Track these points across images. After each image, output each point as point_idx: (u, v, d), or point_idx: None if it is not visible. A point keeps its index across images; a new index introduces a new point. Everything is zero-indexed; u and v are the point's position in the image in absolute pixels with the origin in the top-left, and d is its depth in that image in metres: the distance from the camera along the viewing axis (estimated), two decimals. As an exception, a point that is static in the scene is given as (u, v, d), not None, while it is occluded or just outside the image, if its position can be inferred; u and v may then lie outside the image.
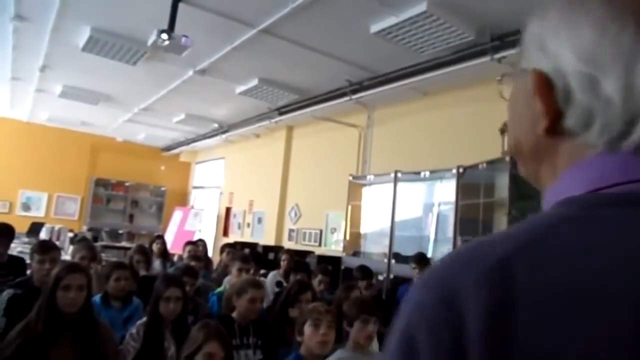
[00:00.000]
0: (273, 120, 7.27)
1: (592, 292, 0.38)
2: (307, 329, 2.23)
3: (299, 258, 5.65)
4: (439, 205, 5.24)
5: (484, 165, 4.22)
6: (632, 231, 0.41)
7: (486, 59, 4.08)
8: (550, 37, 0.50)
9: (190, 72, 5.76)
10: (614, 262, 0.39)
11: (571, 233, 0.43)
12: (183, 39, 4.00)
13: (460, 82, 5.05)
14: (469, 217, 4.51)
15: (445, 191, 5.04)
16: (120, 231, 10.78)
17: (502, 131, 3.93)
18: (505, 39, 3.95)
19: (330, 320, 2.26)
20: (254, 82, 5.89)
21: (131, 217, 11.16)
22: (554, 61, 0.48)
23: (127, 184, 11.05)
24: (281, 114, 7.03)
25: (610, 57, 0.45)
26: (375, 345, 3.26)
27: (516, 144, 0.55)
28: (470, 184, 4.57)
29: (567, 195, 0.47)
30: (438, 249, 5.10)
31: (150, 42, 4.17)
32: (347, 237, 6.09)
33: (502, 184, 4.05)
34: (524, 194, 3.70)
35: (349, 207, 6.11)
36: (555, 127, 0.49)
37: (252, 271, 4.05)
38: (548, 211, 0.47)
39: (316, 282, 4.08)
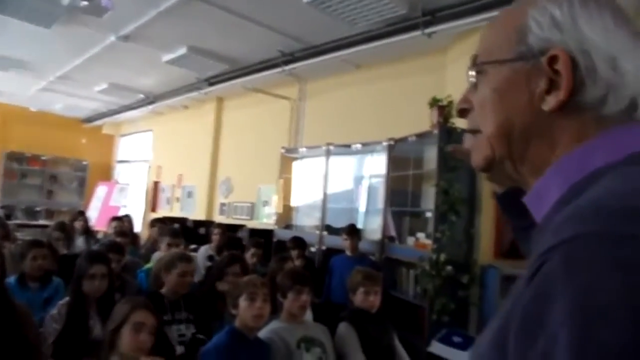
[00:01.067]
0: (202, 91, 7.03)
1: None
2: (243, 302, 2.21)
3: (230, 233, 5.59)
4: (370, 177, 5.34)
5: (414, 138, 4.33)
6: None
7: (417, 33, 4.14)
8: (574, 22, 0.56)
9: (112, 38, 5.40)
10: None
11: None
12: (104, 0, 3.72)
13: (392, 55, 5.12)
14: (399, 189, 4.63)
15: (376, 164, 5.13)
16: (38, 208, 10.11)
17: (431, 105, 4.04)
18: (436, 14, 4.02)
19: (265, 294, 2.25)
20: (182, 50, 5.64)
21: (50, 193, 10.47)
22: (579, 42, 0.55)
23: (44, 157, 10.31)
24: (211, 84, 6.81)
25: (625, 41, 0.55)
26: (308, 314, 3.32)
27: (505, 125, 0.60)
28: (401, 157, 4.68)
29: (620, 155, 0.52)
30: (368, 220, 5.21)
31: (66, 1, 3.84)
32: (280, 211, 6.08)
33: (431, 157, 4.18)
34: (450, 166, 3.85)
35: (281, 180, 6.09)
36: (568, 101, 0.55)
37: (181, 246, 3.95)
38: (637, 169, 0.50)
39: (249, 255, 4.05)
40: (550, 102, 0.56)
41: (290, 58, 5.50)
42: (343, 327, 2.65)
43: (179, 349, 2.56)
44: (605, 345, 0.36)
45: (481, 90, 0.63)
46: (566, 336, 0.38)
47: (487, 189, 3.91)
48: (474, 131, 0.65)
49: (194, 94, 7.26)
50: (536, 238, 0.54)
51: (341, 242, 4.56)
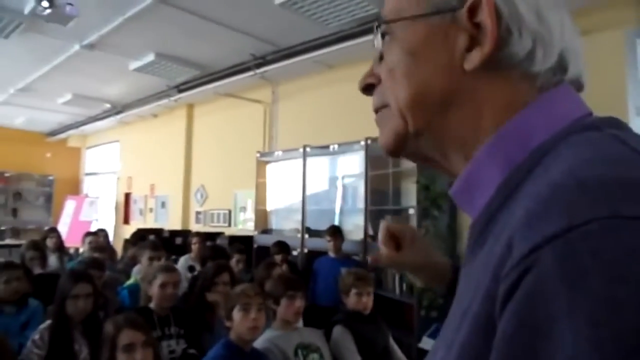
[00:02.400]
0: (172, 99, 6.88)
1: None
2: (237, 314, 2.14)
3: (209, 241, 5.48)
4: (343, 178, 5.32)
5: (392, 136, 4.33)
6: None
7: (390, 31, 4.14)
8: None
9: (77, 47, 5.21)
10: None
11: None
12: (68, 8, 3.58)
13: (366, 54, 5.09)
14: (379, 187, 4.63)
15: (352, 163, 5.12)
16: (3, 227, 9.70)
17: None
18: (407, 11, 4.03)
19: (260, 303, 2.18)
20: (150, 57, 5.50)
21: (14, 211, 10.07)
22: None
23: (6, 174, 9.91)
24: (180, 91, 6.67)
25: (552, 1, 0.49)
26: (301, 321, 3.26)
27: (420, 90, 0.51)
28: (379, 155, 4.68)
29: (558, 123, 0.45)
30: (348, 220, 5.20)
31: (27, 10, 3.69)
32: (262, 215, 6.01)
33: (410, 154, 4.19)
34: (431, 161, 3.86)
35: (261, 185, 6.02)
36: (493, 56, 0.47)
37: (163, 259, 3.84)
38: (595, 134, 0.43)
39: (233, 262, 3.97)
40: (473, 59, 0.48)
41: (262, 61, 5.43)
42: (338, 331, 2.61)
43: (170, 366, 2.47)
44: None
45: (389, 55, 0.54)
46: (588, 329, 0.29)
47: (467, 183, 3.94)
48: (381, 106, 0.57)
49: (164, 101, 7.10)
50: (479, 235, 0.46)
51: (323, 244, 4.53)
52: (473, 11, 0.48)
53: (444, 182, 3.91)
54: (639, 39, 3.67)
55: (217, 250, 3.96)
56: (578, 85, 0.51)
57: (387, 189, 4.54)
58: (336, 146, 5.05)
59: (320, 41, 4.80)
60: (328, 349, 2.52)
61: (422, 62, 0.51)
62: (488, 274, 0.38)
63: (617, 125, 0.44)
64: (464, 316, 0.40)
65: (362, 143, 4.72)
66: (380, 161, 4.65)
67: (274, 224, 6.06)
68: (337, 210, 5.30)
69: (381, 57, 0.56)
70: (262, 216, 6.01)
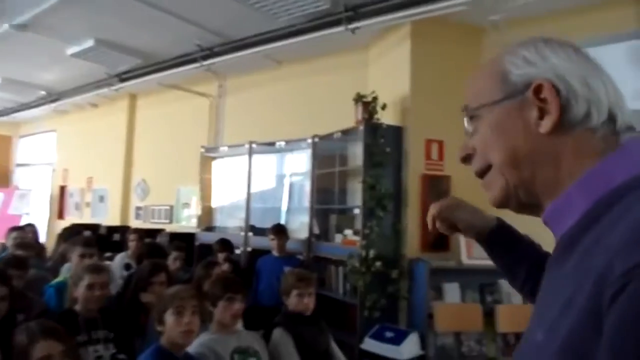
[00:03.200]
0: (113, 88, 6.55)
1: None
2: (169, 317, 2.01)
3: (149, 238, 5.25)
4: (291, 176, 5.25)
5: (339, 134, 4.30)
6: None
7: (340, 28, 4.10)
8: (542, 57, 0.67)
9: (6, 26, 4.84)
10: None
11: None
12: (-7, -16, 3.30)
13: (315, 51, 5.05)
14: (325, 186, 4.59)
15: (300, 162, 5.06)
16: None
17: (356, 101, 4.02)
18: (358, 10, 4.00)
19: (194, 306, 2.06)
20: (89, 42, 5.20)
21: None
22: (552, 69, 0.66)
23: None
24: (122, 80, 6.36)
25: (586, 66, 0.66)
26: (238, 322, 3.16)
27: (511, 153, 0.68)
28: (326, 154, 4.64)
29: (631, 172, 0.60)
30: (293, 219, 5.13)
31: (-54, -16, 3.37)
32: (205, 212, 5.83)
33: (356, 153, 4.17)
34: (376, 162, 3.85)
35: (206, 181, 5.84)
36: (561, 121, 0.64)
37: (95, 257, 3.61)
38: None
39: (171, 260, 3.80)
40: (546, 125, 0.65)
41: (209, 53, 5.26)
42: (278, 333, 2.54)
43: (97, 372, 2.31)
44: None
45: (481, 131, 0.72)
46: None
47: (412, 184, 3.97)
48: (483, 171, 0.73)
49: (104, 90, 6.75)
50: (565, 249, 0.62)
51: (268, 242, 4.43)
52: (537, 91, 0.66)
53: (389, 182, 3.92)
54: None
55: (154, 248, 3.78)
56: (631, 128, 0.66)
57: (334, 188, 4.50)
58: (283, 143, 4.97)
59: (269, 35, 4.69)
60: (267, 352, 2.44)
61: (507, 134, 0.68)
62: (589, 280, 0.52)
63: None
64: (567, 308, 0.54)
65: (309, 141, 4.66)
66: (327, 159, 4.61)
67: (218, 221, 5.90)
68: (284, 209, 5.22)
69: (471, 132, 0.74)
70: (205, 213, 5.83)
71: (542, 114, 0.65)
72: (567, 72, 0.65)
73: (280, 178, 5.41)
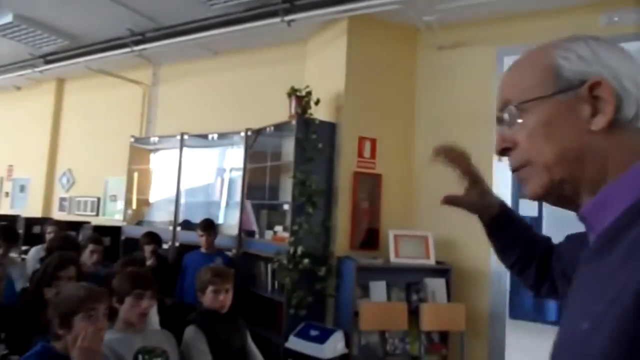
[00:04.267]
0: (37, 70, 6.12)
1: None
2: (79, 323, 1.80)
3: (71, 231, 4.94)
4: (225, 170, 5.10)
5: (272, 128, 4.21)
6: None
7: (276, 20, 4.01)
8: (596, 56, 0.68)
9: None
10: None
11: None
12: None
13: (252, 43, 4.94)
14: (257, 182, 4.49)
15: (234, 155, 4.93)
16: None
17: (290, 94, 3.94)
18: (295, 2, 3.92)
19: (107, 307, 1.89)
20: (7, 17, 4.80)
21: None
22: (608, 70, 0.67)
23: None
24: (47, 62, 5.95)
25: (635, 67, 0.68)
26: (155, 319, 3.00)
27: (561, 150, 0.68)
28: (259, 148, 4.53)
29: None
30: (227, 214, 4.99)
31: None
32: (134, 205, 5.57)
33: (289, 148, 4.09)
34: (307, 157, 3.79)
35: (135, 173, 5.57)
36: (614, 120, 0.65)
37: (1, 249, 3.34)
38: None
39: (87, 253, 3.57)
40: (599, 123, 0.66)
41: (141, 38, 5.01)
42: (190, 331, 2.41)
43: (-16, 375, 2.11)
44: None
45: (527, 125, 0.71)
46: None
47: (344, 181, 3.94)
48: (522, 166, 0.73)
49: (27, 72, 6.29)
50: (607, 244, 0.64)
51: (197, 237, 4.28)
52: (592, 88, 0.67)
53: (320, 178, 3.87)
54: (506, 57, 3.91)
55: (66, 240, 3.53)
56: None
57: (265, 183, 4.41)
58: (215, 136, 4.81)
59: (204, 23, 4.53)
60: (177, 352, 2.31)
61: (557, 129, 0.69)
62: (636, 276, 0.54)
63: None
64: (614, 302, 0.55)
65: (242, 134, 4.54)
66: (260, 154, 4.52)
67: (148, 215, 5.65)
68: (218, 204, 5.06)
69: (511, 125, 0.74)
70: (140, 206, 5.58)
71: (594, 111, 0.66)
72: (620, 71, 0.67)
73: (214, 172, 5.25)
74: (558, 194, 0.71)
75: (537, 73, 0.71)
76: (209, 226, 4.24)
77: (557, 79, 0.69)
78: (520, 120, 0.72)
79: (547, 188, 0.71)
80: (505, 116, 0.74)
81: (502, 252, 1.11)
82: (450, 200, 1.11)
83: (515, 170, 0.75)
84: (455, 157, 1.10)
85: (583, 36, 0.72)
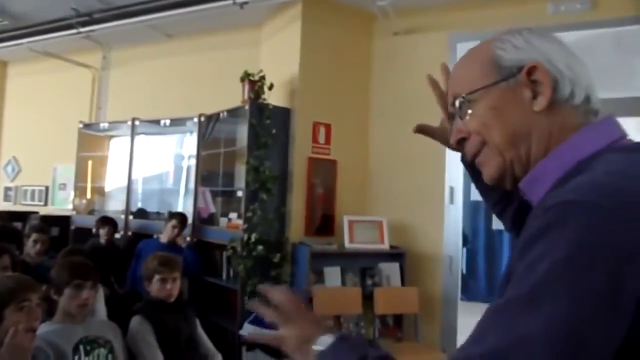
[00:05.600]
0: (-24, 51, 5.80)
1: None
2: (11, 315, 1.70)
3: (16, 222, 4.74)
4: (184, 157, 4.99)
5: (225, 114, 4.13)
6: None
7: (228, 2, 3.91)
8: (529, 44, 0.76)
9: None
10: None
11: None
12: None
13: (207, 26, 4.81)
14: (211, 168, 4.41)
15: (187, 141, 4.82)
16: None
17: (243, 79, 3.87)
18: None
19: (40, 298, 1.80)
20: (-61, -5, 4.52)
21: None
22: (542, 54, 0.74)
23: None
24: (-13, 44, 5.63)
25: (566, 53, 0.76)
26: (102, 309, 2.91)
27: (510, 132, 0.75)
28: (213, 134, 4.44)
29: (600, 145, 0.70)
30: (184, 201, 4.87)
31: None
32: (88, 194, 5.37)
33: (242, 134, 4.02)
34: (261, 143, 3.74)
35: (89, 160, 5.37)
36: (552, 100, 0.72)
37: None
38: (617, 155, 0.67)
39: (30, 243, 3.41)
40: (541, 103, 0.73)
41: (88, 19, 4.80)
42: (136, 322, 2.34)
43: None
44: (552, 267, 0.56)
45: (478, 114, 0.78)
46: (554, 249, 0.57)
47: (298, 167, 3.91)
48: (479, 151, 0.79)
49: (-35, 54, 5.96)
50: (538, 214, 0.67)
51: (151, 226, 4.19)
52: (530, 73, 0.73)
53: (274, 164, 3.83)
54: (459, 43, 3.95)
55: (4, 230, 3.36)
56: (597, 111, 0.75)
57: (218, 170, 4.33)
58: (168, 121, 4.69)
59: (155, 4, 4.37)
60: (122, 342, 2.24)
61: (504, 113, 0.75)
62: (520, 241, 0.65)
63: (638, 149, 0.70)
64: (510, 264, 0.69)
65: (195, 120, 4.43)
66: (214, 140, 4.43)
67: (102, 204, 5.47)
68: (182, 192, 4.94)
69: (464, 117, 0.80)
70: (83, 194, 5.39)
71: (534, 94, 0.73)
72: (553, 55, 0.74)
73: (169, 159, 5.12)
74: (511, 175, 0.77)
75: (480, 66, 0.78)
76: (185, 219, 4.12)
77: (498, 69, 0.76)
78: (470, 111, 0.78)
79: (501, 169, 0.77)
80: (457, 109, 0.80)
81: (485, 192, 1.09)
82: (422, 129, 1.09)
83: (473, 157, 0.81)
84: (435, 86, 1.05)
85: (517, 28, 0.78)
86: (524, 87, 0.73)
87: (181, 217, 4.12)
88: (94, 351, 2.08)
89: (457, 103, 0.80)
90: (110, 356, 2.13)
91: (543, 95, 0.72)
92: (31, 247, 3.40)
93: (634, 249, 0.55)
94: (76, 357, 2.00)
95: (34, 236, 3.41)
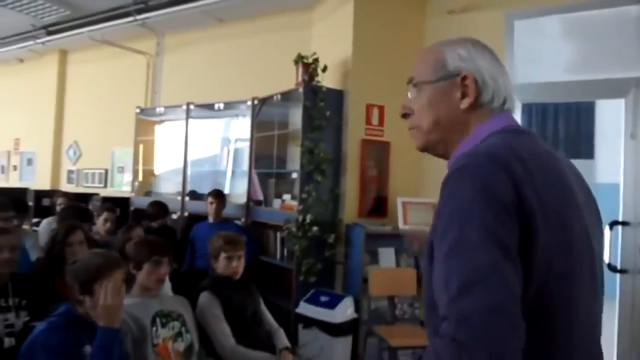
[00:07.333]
0: (39, 41, 6.08)
1: (545, 160, 0.90)
2: (99, 289, 1.82)
3: (76, 202, 4.98)
4: (232, 139, 5.09)
5: (279, 97, 4.18)
6: (527, 139, 0.94)
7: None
8: (471, 57, 0.97)
9: None
10: (541, 148, 0.93)
11: (515, 140, 0.90)
12: None
13: (259, 10, 4.86)
14: (264, 150, 4.48)
15: (240, 124, 4.91)
16: None
17: (296, 61, 3.90)
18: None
19: (126, 273, 1.92)
20: (8, -13, 4.76)
21: None
22: (476, 67, 0.96)
23: None
24: (50, 33, 5.90)
25: (496, 68, 0.98)
26: (167, 286, 3.05)
27: (436, 120, 0.97)
28: (266, 117, 4.51)
29: (492, 130, 0.94)
30: (234, 184, 5.00)
31: None
32: (140, 177, 5.58)
33: (296, 116, 4.07)
34: (315, 125, 3.77)
35: (141, 144, 5.57)
36: (475, 102, 0.95)
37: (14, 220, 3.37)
38: (497, 137, 0.92)
39: (100, 221, 3.60)
40: (465, 103, 0.96)
41: (144, 7, 4.95)
42: (204, 297, 2.46)
43: (7, 342, 2.16)
44: (461, 202, 0.80)
45: (419, 99, 1.00)
46: (455, 200, 0.81)
47: (352, 149, 3.93)
48: (414, 127, 1.02)
49: (29, 43, 6.25)
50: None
51: (204, 207, 4.31)
52: (464, 79, 0.96)
53: (328, 146, 3.86)
54: (516, 21, 3.83)
55: (77, 210, 3.56)
56: (510, 109, 1.00)
57: (273, 152, 4.40)
58: (222, 105, 4.79)
59: (208, -10, 4.45)
60: (193, 316, 2.36)
61: (436, 105, 0.97)
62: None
63: (516, 132, 0.95)
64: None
65: (249, 103, 4.51)
66: (267, 123, 4.49)
67: (155, 186, 5.68)
68: (229, 174, 5.07)
69: (412, 97, 1.02)
70: (145, 177, 5.60)
71: (463, 95, 0.95)
72: (484, 70, 0.96)
73: (221, 141, 5.24)
74: (434, 150, 1.02)
75: (431, 63, 0.99)
76: (220, 194, 4.26)
77: (443, 70, 0.97)
78: (415, 95, 1.00)
79: (424, 145, 1.01)
80: (409, 90, 1.03)
81: None
82: None
83: (410, 129, 1.03)
84: None
85: (466, 39, 1.00)
86: (456, 89, 0.95)
87: (215, 193, 4.25)
88: (169, 324, 2.20)
89: (410, 85, 1.02)
90: (183, 328, 2.25)
91: (469, 97, 0.95)
92: (101, 225, 3.59)
93: (493, 181, 0.79)
94: (154, 329, 2.13)
95: (104, 215, 3.60)
